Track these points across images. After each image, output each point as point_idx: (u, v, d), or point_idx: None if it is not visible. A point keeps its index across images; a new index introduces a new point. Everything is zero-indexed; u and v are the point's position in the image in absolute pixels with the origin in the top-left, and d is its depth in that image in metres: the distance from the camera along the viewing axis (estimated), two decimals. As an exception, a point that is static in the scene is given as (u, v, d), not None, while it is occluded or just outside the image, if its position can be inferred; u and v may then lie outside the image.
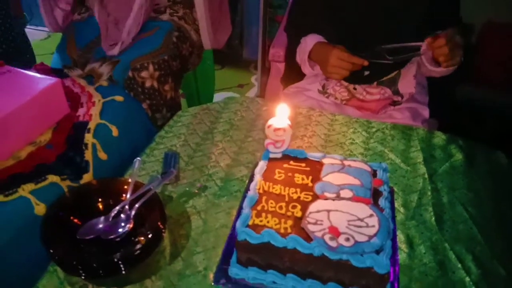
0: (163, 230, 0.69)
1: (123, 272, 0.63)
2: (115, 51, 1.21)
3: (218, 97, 1.96)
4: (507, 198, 0.85)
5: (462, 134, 1.00)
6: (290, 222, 0.65)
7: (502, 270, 0.70)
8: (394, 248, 0.70)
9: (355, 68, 1.02)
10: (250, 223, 0.65)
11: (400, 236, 0.75)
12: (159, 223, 0.69)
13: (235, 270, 0.66)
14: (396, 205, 0.81)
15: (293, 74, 1.27)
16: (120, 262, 0.63)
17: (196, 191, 0.83)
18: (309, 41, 1.10)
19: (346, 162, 0.76)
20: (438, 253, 0.72)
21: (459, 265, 0.70)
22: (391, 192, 0.82)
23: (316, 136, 0.98)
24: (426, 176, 0.88)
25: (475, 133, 1.06)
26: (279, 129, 0.74)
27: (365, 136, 0.98)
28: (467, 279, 0.68)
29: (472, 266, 0.70)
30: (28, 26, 2.48)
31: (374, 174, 0.75)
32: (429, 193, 0.84)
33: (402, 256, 0.72)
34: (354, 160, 0.77)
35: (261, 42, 2.07)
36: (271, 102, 1.13)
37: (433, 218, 0.78)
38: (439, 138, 0.98)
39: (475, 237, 0.75)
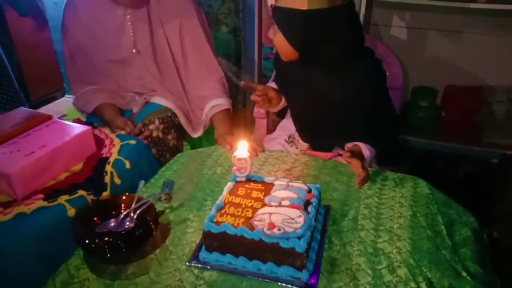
0: (154, 228, 0.97)
1: (123, 251, 0.91)
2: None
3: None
4: (424, 214, 1.09)
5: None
6: (242, 220, 0.92)
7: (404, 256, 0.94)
8: (321, 247, 0.96)
9: None
10: (215, 220, 0.92)
11: (333, 239, 1.01)
12: (151, 224, 0.98)
13: (203, 254, 0.93)
14: (332, 219, 1.07)
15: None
16: (122, 245, 0.92)
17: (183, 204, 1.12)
18: None
19: (290, 183, 1.05)
20: (357, 247, 0.97)
21: (369, 255, 0.95)
22: (328, 209, 1.09)
23: (281, 171, 1.27)
24: (362, 197, 1.14)
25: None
26: (241, 158, 1.05)
27: (318, 171, 1.27)
28: (375, 265, 0.93)
29: (382, 252, 0.95)
30: (66, 96, 3.00)
31: (309, 191, 1.03)
32: (362, 210, 1.10)
33: (333, 250, 0.97)
34: (297, 182, 1.05)
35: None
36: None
37: (359, 227, 1.04)
38: (377, 172, 1.26)
39: (389, 235, 1.01)
